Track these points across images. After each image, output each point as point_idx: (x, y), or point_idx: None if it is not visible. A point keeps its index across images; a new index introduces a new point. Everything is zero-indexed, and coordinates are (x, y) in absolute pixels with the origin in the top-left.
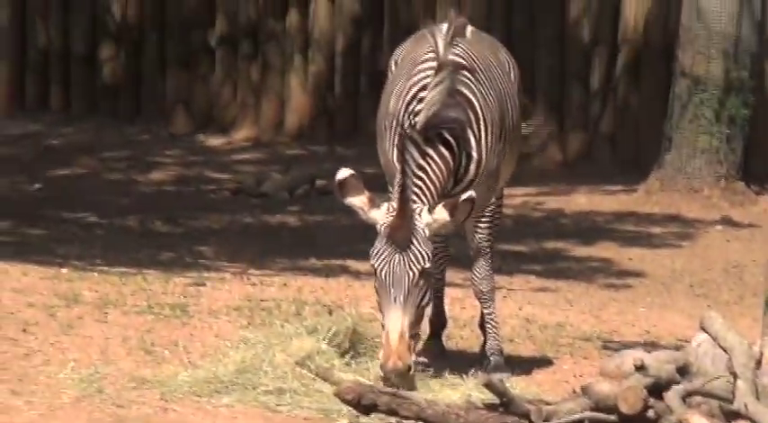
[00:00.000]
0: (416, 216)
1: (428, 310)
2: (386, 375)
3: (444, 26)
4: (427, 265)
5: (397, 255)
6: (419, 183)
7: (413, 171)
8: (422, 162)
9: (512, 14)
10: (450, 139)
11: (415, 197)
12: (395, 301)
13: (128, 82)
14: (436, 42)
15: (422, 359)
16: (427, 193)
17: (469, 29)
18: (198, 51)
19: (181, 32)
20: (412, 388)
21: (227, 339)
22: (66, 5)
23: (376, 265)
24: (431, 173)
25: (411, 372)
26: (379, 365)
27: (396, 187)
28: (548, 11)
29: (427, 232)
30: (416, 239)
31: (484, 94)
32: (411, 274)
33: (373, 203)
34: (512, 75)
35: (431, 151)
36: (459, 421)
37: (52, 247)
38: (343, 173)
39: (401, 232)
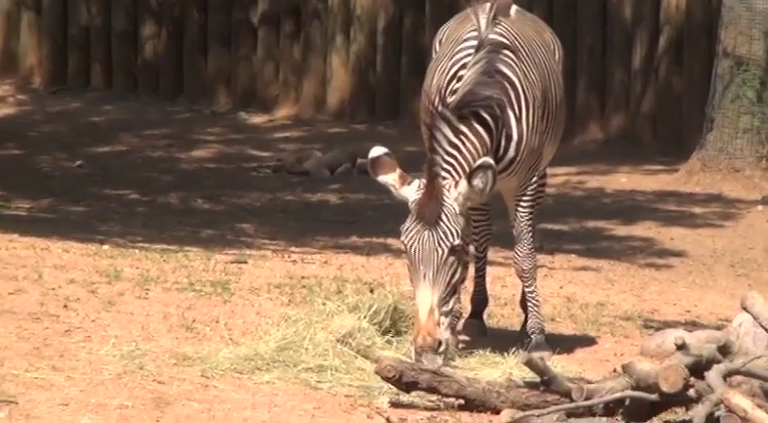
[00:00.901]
0: (446, 192)
1: (466, 287)
2: (417, 351)
3: (488, 5)
4: (456, 241)
5: (426, 231)
6: (450, 160)
7: (444, 149)
8: (454, 140)
9: None
10: (486, 117)
11: (445, 174)
12: (424, 277)
13: (169, 60)
14: (478, 21)
15: (463, 337)
16: (459, 169)
17: (514, 8)
18: (240, 29)
19: (223, 10)
20: (442, 363)
21: (268, 317)
22: None
23: (406, 242)
24: (464, 150)
25: (441, 348)
26: (411, 342)
27: (426, 164)
28: None
29: (457, 208)
30: (445, 216)
31: (526, 73)
32: (440, 250)
33: (405, 181)
34: (556, 55)
35: (464, 129)
36: (499, 399)
37: (93, 224)
38: (377, 151)
39: (429, 209)
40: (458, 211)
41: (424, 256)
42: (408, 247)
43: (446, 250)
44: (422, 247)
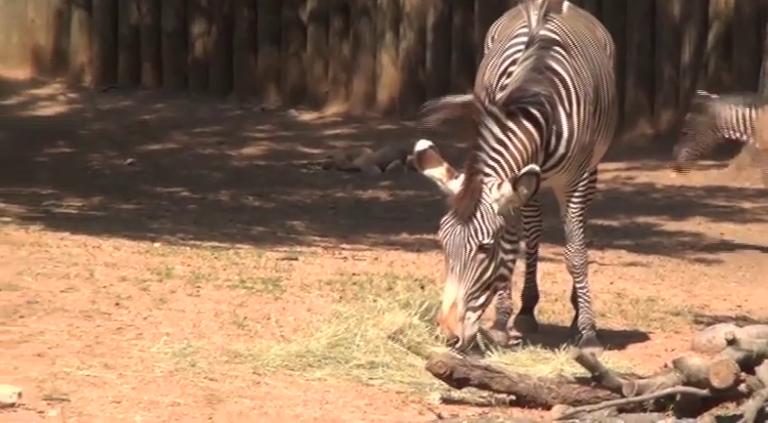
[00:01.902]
0: (486, 190)
1: (516, 283)
2: (445, 344)
3: (539, 1)
4: (485, 240)
5: (458, 226)
6: (497, 157)
7: (491, 145)
8: (502, 136)
9: None
10: (535, 113)
11: (490, 171)
12: (452, 271)
13: (219, 58)
14: (530, 17)
15: (514, 333)
16: (506, 167)
17: (566, 4)
18: (289, 27)
19: (272, 8)
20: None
21: (319, 313)
22: None
23: (440, 235)
24: (511, 147)
25: (459, 343)
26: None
27: (467, 160)
28: None
29: (496, 208)
30: (480, 213)
31: (577, 69)
32: (469, 247)
33: (452, 175)
34: (607, 51)
35: (512, 125)
36: (550, 395)
37: (145, 221)
38: (422, 144)
39: (463, 204)
40: (495, 211)
41: (453, 251)
42: (442, 240)
43: (474, 247)
44: (453, 241)
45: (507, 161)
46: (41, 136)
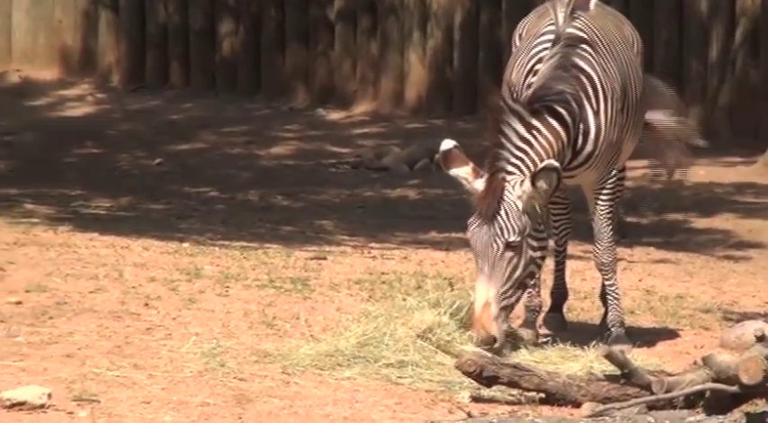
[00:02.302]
0: (509, 188)
1: (546, 281)
2: (475, 344)
3: (560, 8)
4: (512, 238)
5: (484, 226)
6: (520, 155)
7: (514, 143)
8: (526, 135)
9: None
10: (561, 111)
11: (513, 169)
12: (481, 271)
13: (247, 57)
14: (556, 15)
15: (543, 331)
16: (531, 164)
17: (593, 2)
18: (317, 26)
19: (300, 7)
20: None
21: (348, 313)
22: None
23: (468, 236)
24: (536, 145)
25: (496, 342)
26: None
27: (489, 158)
28: None
29: (520, 205)
30: (504, 211)
31: (604, 66)
32: (495, 246)
33: (477, 174)
34: (635, 48)
35: (537, 123)
36: (580, 393)
37: (173, 222)
38: (447, 144)
39: (485, 203)
40: (520, 208)
41: (481, 251)
42: (470, 240)
43: (501, 246)
44: (480, 241)
45: (532, 159)
46: (70, 137)
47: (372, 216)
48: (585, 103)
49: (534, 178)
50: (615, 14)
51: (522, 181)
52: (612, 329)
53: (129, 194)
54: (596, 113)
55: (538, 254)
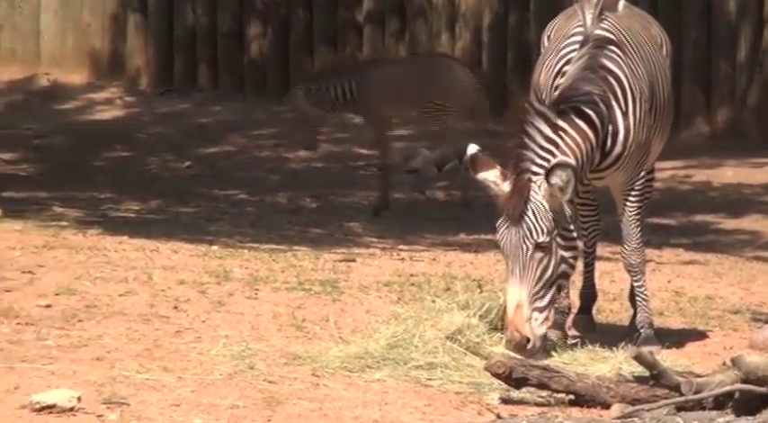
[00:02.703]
0: (536, 189)
1: (575, 282)
2: (508, 347)
3: (594, 1)
4: (541, 238)
5: (513, 228)
6: (546, 155)
7: (540, 144)
8: (552, 135)
9: None
10: (588, 112)
11: (538, 169)
12: (512, 273)
13: (275, 59)
14: (585, 17)
15: (572, 333)
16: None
17: (622, 3)
18: (345, 28)
19: (328, 9)
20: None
21: (377, 315)
22: None
23: (498, 238)
24: (562, 146)
25: (530, 344)
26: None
27: (513, 160)
28: None
29: (546, 205)
30: (532, 212)
31: (632, 67)
32: (525, 247)
33: (505, 177)
34: (664, 49)
35: (563, 124)
36: (609, 394)
37: (202, 224)
38: (472, 149)
39: (512, 205)
40: (547, 208)
41: (511, 252)
42: (500, 242)
43: (530, 247)
44: (510, 243)
45: None
46: (99, 140)
47: (401, 218)
48: (614, 104)
49: (548, 175)
50: (643, 15)
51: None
52: (641, 331)
53: (158, 197)
54: (625, 114)
55: (569, 253)
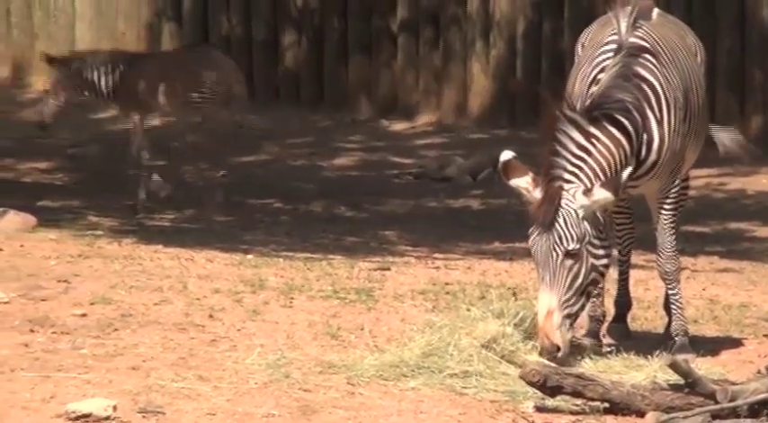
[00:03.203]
0: (569, 197)
1: (609, 290)
2: (542, 355)
3: (629, 9)
4: (571, 246)
5: (543, 235)
6: (579, 163)
7: (571, 151)
8: (584, 143)
9: None
10: (622, 120)
11: (571, 177)
12: (543, 280)
13: (310, 68)
14: (619, 25)
15: (607, 340)
16: (589, 173)
17: (656, 11)
18: (380, 37)
19: (362, 18)
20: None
21: (412, 323)
22: None
23: (530, 245)
24: (595, 153)
25: (561, 352)
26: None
27: (543, 167)
28: None
29: (581, 214)
30: (563, 219)
31: (667, 76)
32: (555, 254)
33: (537, 184)
34: (698, 58)
35: (595, 131)
36: (644, 402)
37: (237, 233)
38: (506, 155)
39: (541, 211)
40: (580, 216)
41: (542, 260)
42: (531, 250)
43: (560, 254)
44: (540, 250)
45: (591, 167)
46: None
47: (435, 226)
48: (648, 112)
49: (616, 189)
50: (677, 23)
51: (588, 189)
52: (676, 339)
53: (193, 206)
54: (659, 123)
55: (600, 261)
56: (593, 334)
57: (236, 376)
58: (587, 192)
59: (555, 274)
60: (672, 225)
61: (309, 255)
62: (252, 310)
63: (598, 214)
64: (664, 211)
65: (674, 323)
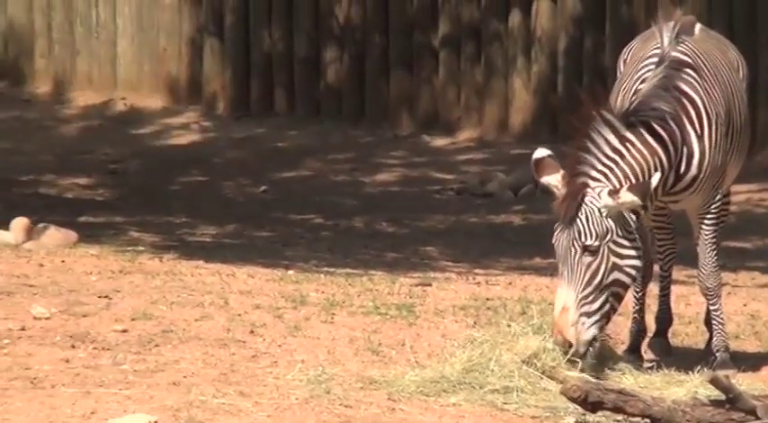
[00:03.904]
0: (594, 195)
1: (650, 306)
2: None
3: (672, 23)
4: (589, 241)
5: (566, 230)
6: (610, 164)
7: (604, 152)
8: (618, 145)
9: (732, 12)
10: (658, 129)
11: (600, 176)
12: (562, 275)
13: (351, 84)
14: (662, 38)
15: (648, 356)
16: (620, 174)
17: (698, 26)
18: (421, 53)
19: (404, 33)
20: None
21: (453, 339)
22: (289, 8)
23: (553, 240)
24: (628, 157)
25: (572, 349)
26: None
27: (570, 161)
28: None
29: (604, 212)
30: (585, 216)
31: (709, 91)
32: (573, 250)
33: (567, 181)
34: (740, 73)
35: (631, 136)
36: (685, 418)
37: (278, 248)
38: (540, 152)
39: (564, 207)
40: (603, 214)
41: (562, 255)
42: (554, 244)
43: (578, 250)
44: (560, 245)
45: (622, 169)
46: (175, 165)
47: (477, 242)
48: (688, 126)
49: (644, 195)
50: (719, 39)
51: (614, 191)
52: (717, 354)
53: (234, 222)
54: (700, 138)
55: (625, 262)
56: (635, 349)
57: (277, 392)
58: (613, 193)
59: (573, 271)
60: (713, 240)
61: (350, 270)
62: (293, 325)
63: (626, 215)
64: (705, 227)
65: (715, 339)
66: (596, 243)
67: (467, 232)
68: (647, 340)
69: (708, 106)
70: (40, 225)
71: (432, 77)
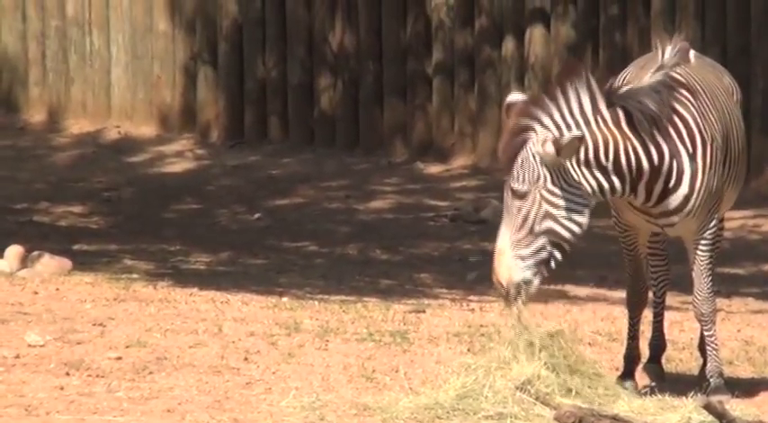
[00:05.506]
0: (534, 141)
1: (644, 332)
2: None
3: (669, 48)
4: (515, 185)
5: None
6: (570, 123)
7: (570, 109)
8: (588, 113)
9: (726, 37)
10: (640, 118)
11: (553, 128)
12: (502, 220)
13: (345, 111)
14: (663, 54)
15: (642, 382)
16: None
17: (692, 53)
18: (415, 80)
19: (397, 61)
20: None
21: (447, 365)
22: (282, 36)
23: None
24: (593, 126)
25: (504, 290)
26: None
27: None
28: (763, 33)
29: (538, 158)
30: (520, 160)
31: (703, 114)
32: (507, 193)
33: None
34: (734, 98)
35: (605, 112)
36: None
37: (272, 276)
38: (514, 96)
39: (502, 149)
40: (536, 161)
41: (504, 200)
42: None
43: (509, 193)
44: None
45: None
46: (169, 192)
47: (471, 269)
48: (678, 143)
49: (559, 149)
50: (714, 65)
51: (553, 140)
52: (711, 380)
53: (228, 249)
54: (692, 157)
55: (560, 213)
56: (629, 375)
57: (271, 419)
58: (546, 142)
59: (508, 213)
60: (708, 266)
61: (344, 297)
62: (287, 352)
63: (571, 169)
64: (700, 253)
65: (709, 364)
66: (524, 188)
67: (461, 259)
68: (640, 366)
69: (702, 128)
70: (35, 253)
71: (425, 105)
